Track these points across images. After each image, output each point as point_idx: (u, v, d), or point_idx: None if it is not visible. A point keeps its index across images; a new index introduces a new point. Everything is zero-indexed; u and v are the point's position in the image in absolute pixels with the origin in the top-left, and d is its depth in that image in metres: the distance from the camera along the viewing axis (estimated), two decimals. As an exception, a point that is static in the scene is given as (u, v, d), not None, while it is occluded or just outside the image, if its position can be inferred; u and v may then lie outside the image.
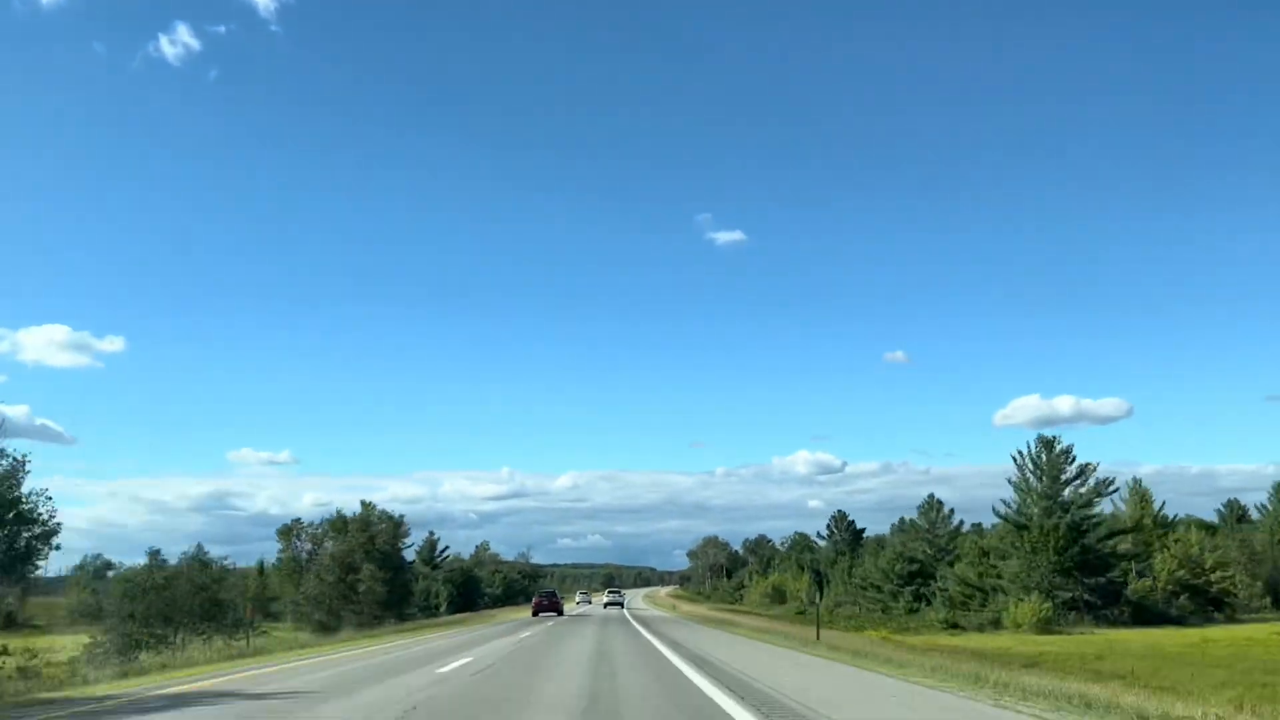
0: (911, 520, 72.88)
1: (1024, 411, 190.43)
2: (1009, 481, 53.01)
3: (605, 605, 71.62)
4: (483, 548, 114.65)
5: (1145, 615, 46.37)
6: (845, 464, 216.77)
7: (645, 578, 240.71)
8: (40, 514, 26.75)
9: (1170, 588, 49.64)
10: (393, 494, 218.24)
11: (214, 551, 36.81)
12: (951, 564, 59.20)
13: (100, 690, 13.50)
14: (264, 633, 31.98)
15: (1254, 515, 76.32)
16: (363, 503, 61.24)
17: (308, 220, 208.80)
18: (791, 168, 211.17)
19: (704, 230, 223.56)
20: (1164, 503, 61.89)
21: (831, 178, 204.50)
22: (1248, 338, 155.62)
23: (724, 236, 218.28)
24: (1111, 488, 52.12)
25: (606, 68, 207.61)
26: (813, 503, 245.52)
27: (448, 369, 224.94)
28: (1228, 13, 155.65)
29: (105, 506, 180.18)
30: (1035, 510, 50.61)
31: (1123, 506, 59.19)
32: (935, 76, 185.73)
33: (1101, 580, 46.72)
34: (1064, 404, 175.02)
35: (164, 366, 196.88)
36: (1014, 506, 52.82)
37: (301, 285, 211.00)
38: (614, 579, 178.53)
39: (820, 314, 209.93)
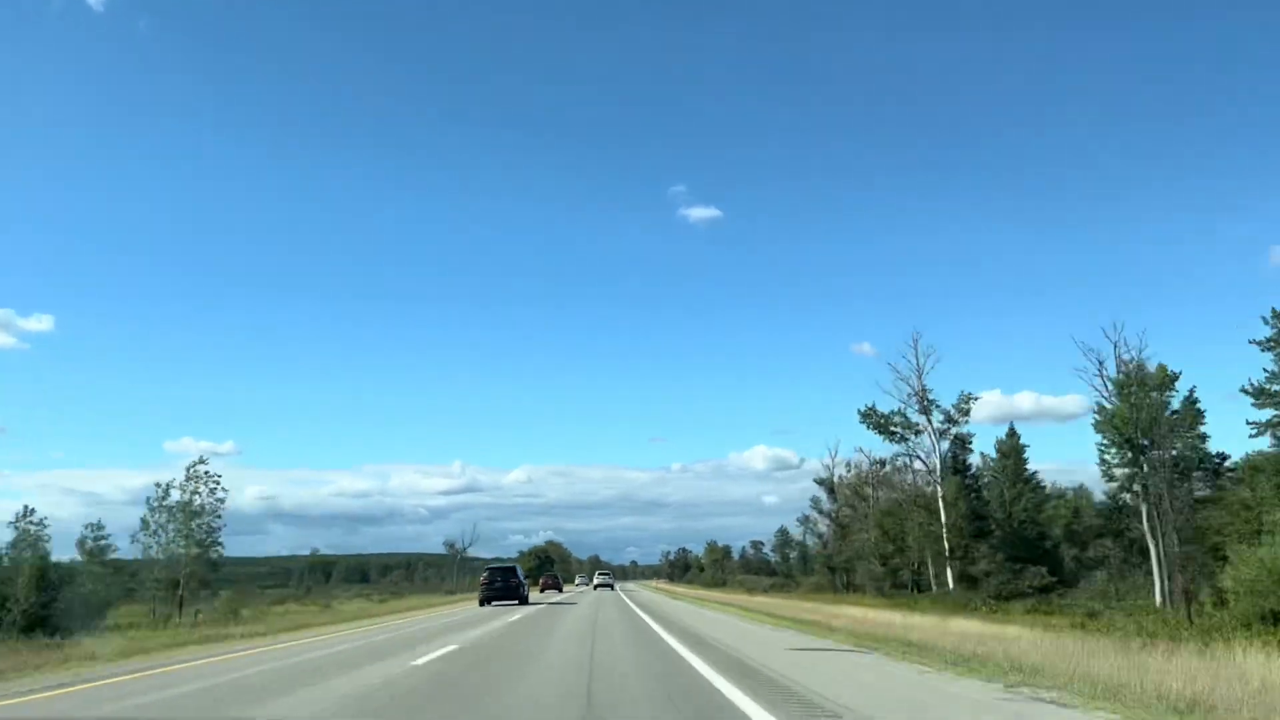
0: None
1: (984, 407, 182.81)
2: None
3: (595, 587, 77.33)
4: None
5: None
6: (803, 460, 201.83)
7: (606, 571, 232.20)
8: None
9: None
10: (340, 487, 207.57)
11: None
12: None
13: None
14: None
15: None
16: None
17: (252, 194, 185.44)
18: (776, 142, 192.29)
19: (677, 205, 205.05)
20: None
21: (819, 157, 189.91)
22: (1210, 335, 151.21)
23: (699, 213, 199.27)
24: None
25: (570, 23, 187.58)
26: (768, 499, 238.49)
27: (398, 358, 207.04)
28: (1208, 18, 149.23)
29: (35, 500, 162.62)
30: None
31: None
32: (935, 66, 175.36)
33: None
34: (1025, 400, 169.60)
35: (97, 349, 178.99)
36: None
37: (244, 266, 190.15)
38: (552, 561, 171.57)
39: (792, 300, 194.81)
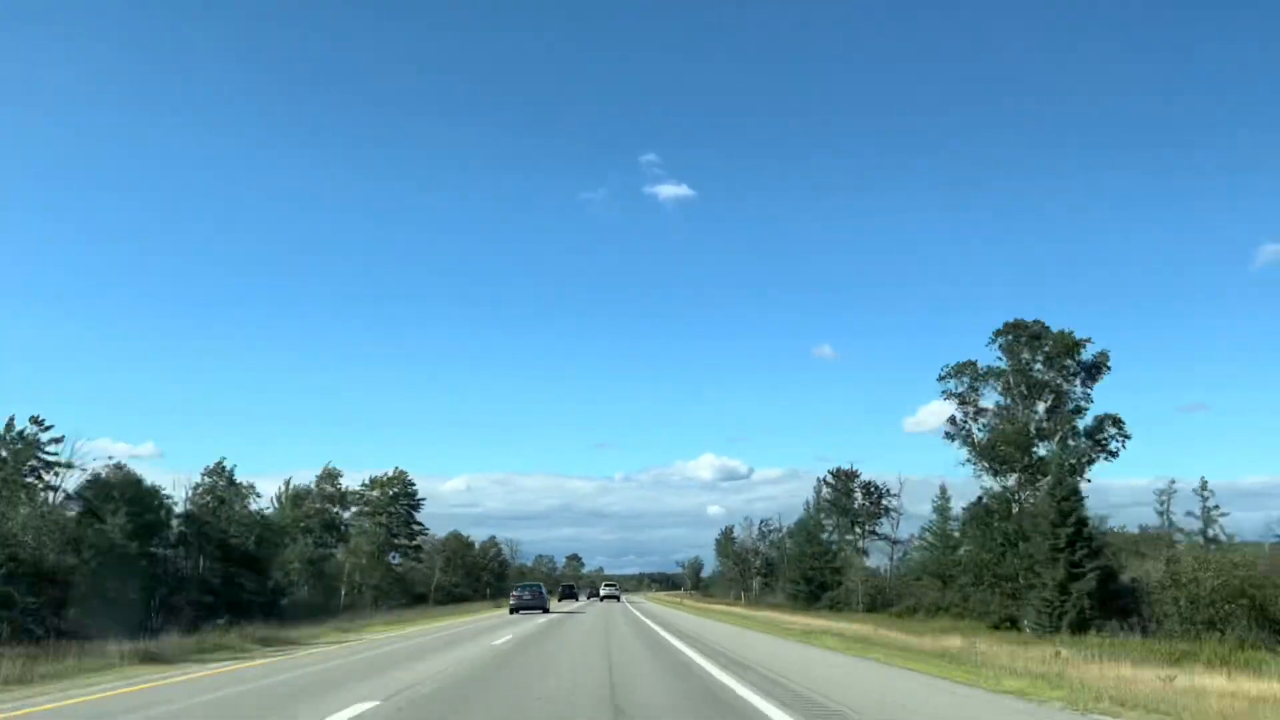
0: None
1: (937, 417, 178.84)
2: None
3: (601, 598, 79.46)
4: None
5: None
6: (752, 470, 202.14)
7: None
8: None
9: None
10: (269, 495, 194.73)
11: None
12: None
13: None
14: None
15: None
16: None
17: (177, 166, 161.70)
18: (753, 118, 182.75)
19: (645, 181, 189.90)
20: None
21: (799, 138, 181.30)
22: (1164, 346, 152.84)
23: (669, 190, 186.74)
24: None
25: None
26: (713, 509, 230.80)
27: (332, 359, 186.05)
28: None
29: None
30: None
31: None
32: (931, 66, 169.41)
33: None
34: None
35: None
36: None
37: (163, 251, 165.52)
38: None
39: (754, 298, 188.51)
